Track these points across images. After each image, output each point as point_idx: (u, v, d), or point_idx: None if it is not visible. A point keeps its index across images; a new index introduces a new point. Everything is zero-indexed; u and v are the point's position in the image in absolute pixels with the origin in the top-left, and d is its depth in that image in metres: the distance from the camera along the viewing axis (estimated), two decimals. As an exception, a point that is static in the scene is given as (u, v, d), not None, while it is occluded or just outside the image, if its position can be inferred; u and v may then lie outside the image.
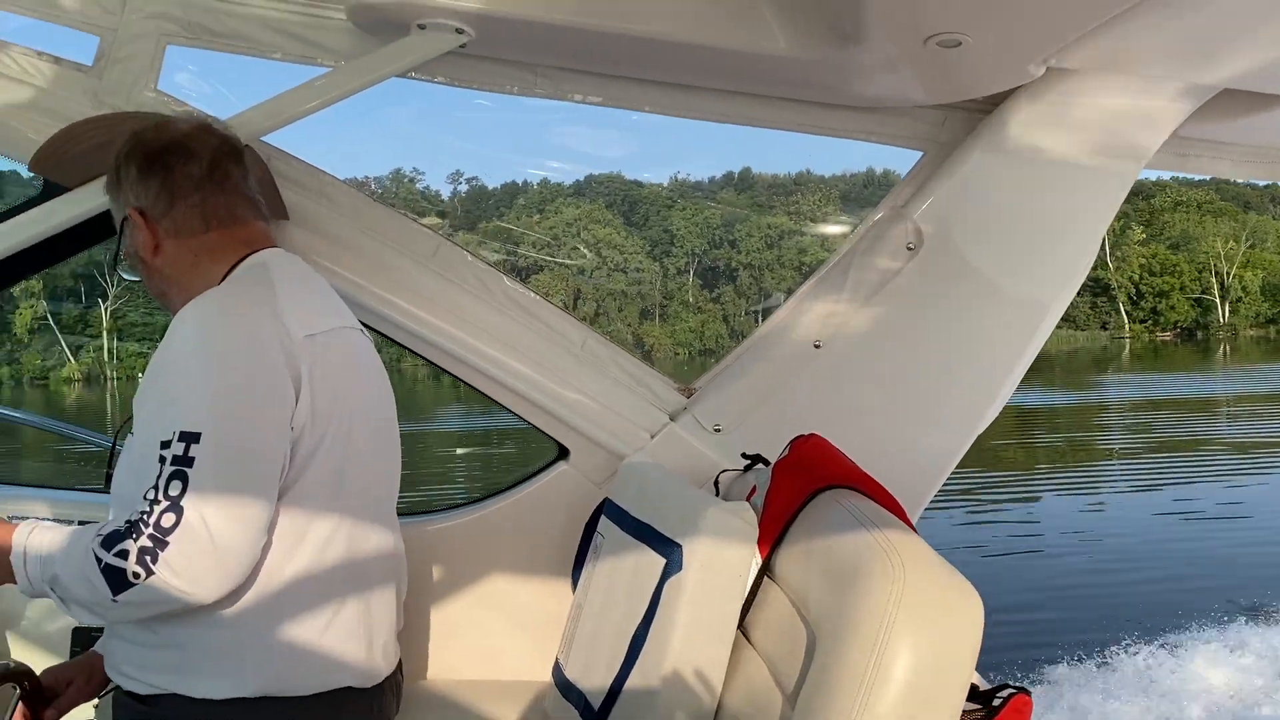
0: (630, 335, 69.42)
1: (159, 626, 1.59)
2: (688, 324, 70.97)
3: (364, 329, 1.89)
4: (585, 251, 72.14)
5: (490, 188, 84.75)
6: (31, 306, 55.91)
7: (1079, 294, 2.54)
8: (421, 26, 1.96)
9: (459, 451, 20.98)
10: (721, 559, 1.62)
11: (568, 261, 72.15)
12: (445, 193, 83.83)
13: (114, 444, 1.95)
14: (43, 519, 2.35)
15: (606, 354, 2.39)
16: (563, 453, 2.44)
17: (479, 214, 78.53)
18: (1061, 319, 2.45)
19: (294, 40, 2.08)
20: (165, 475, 1.47)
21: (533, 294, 2.37)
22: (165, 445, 1.49)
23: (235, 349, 1.58)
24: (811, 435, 1.84)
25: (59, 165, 2.04)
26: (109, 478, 1.80)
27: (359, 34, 2.06)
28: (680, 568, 1.63)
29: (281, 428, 1.57)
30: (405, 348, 2.31)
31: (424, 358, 2.32)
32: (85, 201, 2.07)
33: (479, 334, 2.31)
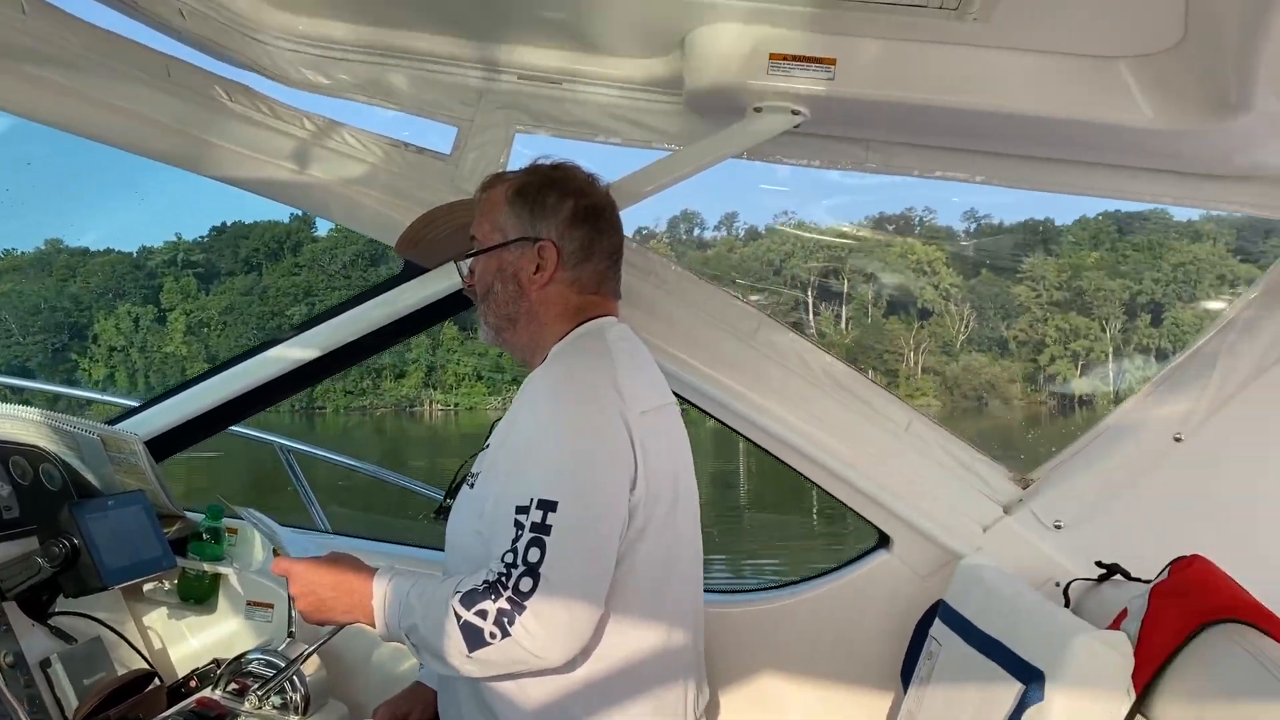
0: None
1: (492, 684, 1.63)
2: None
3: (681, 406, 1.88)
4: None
5: (1007, 224, 78.98)
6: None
7: None
8: (758, 109, 1.95)
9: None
10: (1092, 695, 1.45)
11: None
12: (959, 229, 79.31)
13: (444, 500, 2.00)
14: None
15: (933, 437, 2.25)
16: (883, 540, 2.32)
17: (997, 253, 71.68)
18: None
19: (632, 125, 2.15)
20: (524, 541, 1.49)
21: (856, 372, 2.28)
22: (522, 511, 1.51)
23: (585, 420, 1.59)
24: (1194, 558, 1.63)
25: (419, 248, 2.21)
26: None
27: (694, 118, 2.09)
28: (1042, 698, 1.47)
29: (624, 499, 1.57)
30: (725, 424, 2.29)
31: (741, 434, 2.30)
32: (440, 282, 2.23)
33: (798, 411, 2.25)
